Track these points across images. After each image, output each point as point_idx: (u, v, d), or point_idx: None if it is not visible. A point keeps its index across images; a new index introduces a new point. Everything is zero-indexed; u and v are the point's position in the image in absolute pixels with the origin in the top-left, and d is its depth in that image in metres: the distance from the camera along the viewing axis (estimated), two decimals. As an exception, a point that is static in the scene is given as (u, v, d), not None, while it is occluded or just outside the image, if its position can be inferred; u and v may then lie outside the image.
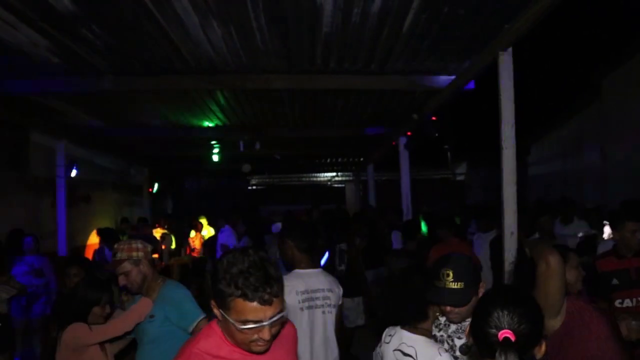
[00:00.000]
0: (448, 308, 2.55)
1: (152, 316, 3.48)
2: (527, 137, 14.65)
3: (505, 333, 1.74)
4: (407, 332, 2.66)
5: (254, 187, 21.86)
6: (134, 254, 3.50)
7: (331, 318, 3.81)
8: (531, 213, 6.80)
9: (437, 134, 7.37)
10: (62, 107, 7.64)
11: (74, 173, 9.48)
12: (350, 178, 20.87)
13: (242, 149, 10.52)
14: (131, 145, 11.81)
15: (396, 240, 8.01)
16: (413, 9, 4.34)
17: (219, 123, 9.17)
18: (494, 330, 1.77)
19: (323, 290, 3.82)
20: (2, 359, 5.89)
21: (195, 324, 3.36)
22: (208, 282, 1.92)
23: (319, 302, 3.77)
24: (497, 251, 3.23)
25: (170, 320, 3.41)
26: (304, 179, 21.47)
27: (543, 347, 1.84)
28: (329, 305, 3.80)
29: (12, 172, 8.78)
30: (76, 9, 4.20)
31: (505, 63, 4.70)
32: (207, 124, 9.31)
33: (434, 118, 7.46)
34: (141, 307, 3.51)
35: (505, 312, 1.78)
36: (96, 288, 3.81)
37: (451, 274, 2.50)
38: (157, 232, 11.46)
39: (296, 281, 3.75)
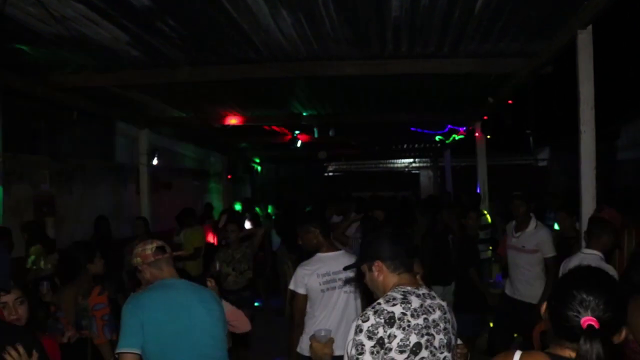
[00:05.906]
0: None
1: None
2: (616, 118, 13.78)
3: (589, 320, 1.65)
4: None
5: (331, 174, 21.94)
6: (133, 260, 3.12)
7: (353, 297, 3.98)
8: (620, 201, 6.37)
9: (512, 119, 7.12)
10: (143, 98, 7.98)
11: (155, 161, 9.88)
12: (428, 164, 20.53)
13: (316, 135, 10.59)
14: (210, 133, 12.16)
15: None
16: (485, -11, 4.20)
17: (294, 110, 9.27)
18: (576, 315, 1.69)
19: (345, 271, 3.96)
20: None
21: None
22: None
23: (341, 283, 3.96)
24: None
25: None
26: (381, 165, 21.32)
27: (623, 334, 1.73)
28: (351, 285, 3.97)
29: (100, 161, 9.29)
30: (152, 4, 4.36)
31: (585, 42, 4.45)
32: (282, 111, 9.45)
33: (510, 102, 7.20)
34: None
35: (591, 298, 1.68)
36: None
37: None
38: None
39: (318, 265, 4.00)
